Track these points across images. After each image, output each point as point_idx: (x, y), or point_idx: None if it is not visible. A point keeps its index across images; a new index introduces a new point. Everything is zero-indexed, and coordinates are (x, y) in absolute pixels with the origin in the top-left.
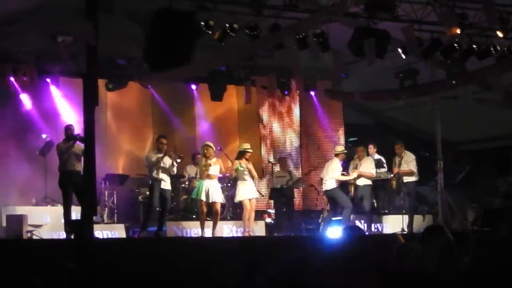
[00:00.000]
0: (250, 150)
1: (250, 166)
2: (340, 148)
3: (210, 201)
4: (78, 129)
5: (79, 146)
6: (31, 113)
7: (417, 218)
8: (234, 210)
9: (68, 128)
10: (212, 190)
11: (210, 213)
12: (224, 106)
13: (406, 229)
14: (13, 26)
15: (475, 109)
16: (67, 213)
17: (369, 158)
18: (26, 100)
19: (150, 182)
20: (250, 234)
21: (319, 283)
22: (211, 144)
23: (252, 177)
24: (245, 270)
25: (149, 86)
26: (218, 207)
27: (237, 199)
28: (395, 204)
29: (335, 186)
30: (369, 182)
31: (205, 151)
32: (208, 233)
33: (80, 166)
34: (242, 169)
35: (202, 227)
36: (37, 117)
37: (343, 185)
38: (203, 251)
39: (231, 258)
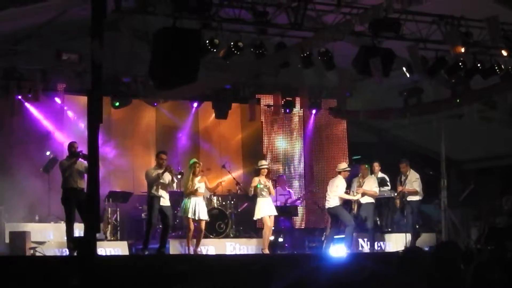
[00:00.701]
0: (266, 167)
1: (269, 183)
2: (343, 165)
3: (197, 218)
4: (83, 146)
5: (82, 163)
6: (35, 130)
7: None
8: (237, 228)
9: (72, 146)
10: (199, 208)
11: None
12: (228, 123)
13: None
14: (19, 44)
15: (479, 128)
16: (70, 230)
17: (372, 176)
18: (28, 115)
19: (149, 199)
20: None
21: None
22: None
23: (270, 193)
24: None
25: (155, 104)
26: (203, 224)
27: (257, 216)
28: (398, 222)
29: (338, 204)
30: (372, 200)
31: (196, 168)
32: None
33: (83, 183)
34: (262, 186)
35: (189, 245)
36: (41, 134)
37: (346, 203)
38: (206, 268)
39: (235, 275)
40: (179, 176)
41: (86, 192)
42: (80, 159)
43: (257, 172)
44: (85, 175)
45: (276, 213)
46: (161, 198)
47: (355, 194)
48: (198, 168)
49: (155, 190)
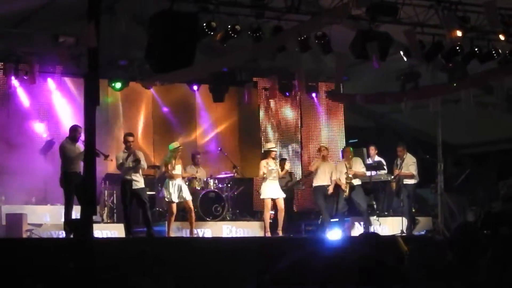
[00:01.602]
0: (274, 149)
1: (277, 166)
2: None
3: (180, 200)
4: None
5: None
6: (31, 112)
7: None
8: (233, 211)
9: (75, 130)
10: (180, 190)
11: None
12: (225, 107)
13: (405, 231)
14: (16, 27)
15: (476, 113)
16: (68, 213)
17: (357, 158)
18: (25, 98)
19: (121, 183)
20: (280, 234)
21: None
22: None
23: (278, 176)
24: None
25: (151, 87)
26: (190, 204)
27: (261, 196)
28: (394, 206)
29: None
30: (359, 182)
31: (179, 153)
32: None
33: (80, 167)
34: (270, 168)
35: (170, 228)
36: (38, 116)
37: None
38: (202, 251)
39: (231, 258)
40: (133, 164)
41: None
42: (81, 144)
43: (265, 155)
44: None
45: (282, 196)
46: (133, 182)
47: (345, 177)
48: (180, 153)
49: (125, 174)
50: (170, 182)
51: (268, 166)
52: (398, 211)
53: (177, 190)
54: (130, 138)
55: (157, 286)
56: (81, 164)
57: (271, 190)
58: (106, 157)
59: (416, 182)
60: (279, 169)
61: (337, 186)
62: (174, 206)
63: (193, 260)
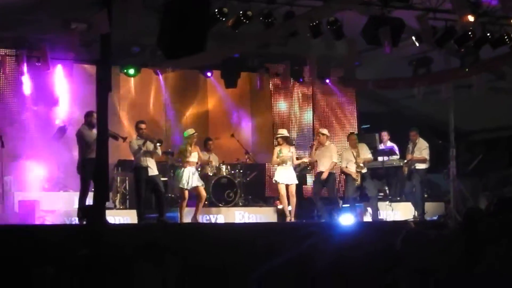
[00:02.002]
0: (283, 135)
1: (290, 152)
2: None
3: (190, 187)
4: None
5: None
6: (43, 98)
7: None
8: (246, 197)
9: (92, 116)
10: (192, 177)
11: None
12: (236, 93)
13: (417, 216)
14: (28, 13)
15: (488, 98)
16: (83, 200)
17: (362, 144)
18: (37, 85)
19: (135, 170)
20: (291, 220)
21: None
22: None
23: (293, 161)
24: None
25: (159, 74)
26: (202, 191)
27: (274, 180)
28: (405, 191)
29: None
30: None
31: (194, 139)
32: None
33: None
34: (282, 155)
35: (182, 214)
36: (50, 103)
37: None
38: (215, 237)
39: (242, 244)
40: (158, 144)
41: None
42: None
43: (278, 141)
44: None
45: (295, 182)
46: (148, 168)
47: (355, 166)
48: (195, 139)
49: (140, 160)
50: (184, 169)
51: (281, 152)
52: (410, 196)
53: (190, 177)
54: (143, 126)
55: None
56: None
57: (282, 176)
58: (124, 139)
59: (427, 167)
60: (293, 155)
61: (346, 174)
62: (187, 193)
63: (204, 247)
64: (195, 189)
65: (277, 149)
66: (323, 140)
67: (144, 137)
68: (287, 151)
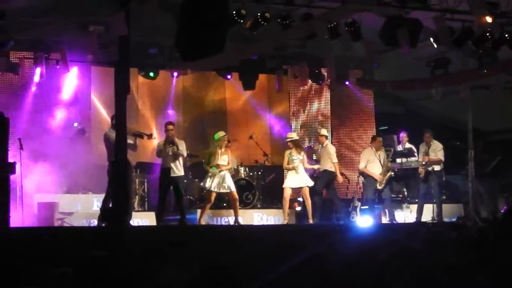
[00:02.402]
0: (292, 138)
1: (300, 155)
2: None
3: (222, 190)
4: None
5: (130, 138)
6: (62, 101)
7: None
8: (264, 199)
9: None
10: (223, 180)
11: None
12: (254, 94)
13: (436, 218)
14: (46, 16)
15: (506, 99)
16: (107, 202)
17: (381, 148)
18: (56, 87)
19: (160, 172)
20: (310, 222)
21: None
22: None
23: (304, 164)
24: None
25: (176, 75)
26: (234, 194)
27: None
28: (421, 193)
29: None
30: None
31: (225, 142)
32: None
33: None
34: (293, 158)
35: (202, 215)
36: (68, 105)
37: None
38: (233, 239)
39: (262, 245)
40: (171, 145)
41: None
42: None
43: (288, 145)
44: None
45: (306, 185)
46: (172, 170)
47: (384, 170)
48: (224, 141)
49: (164, 162)
50: (211, 172)
51: (291, 156)
52: (425, 198)
53: (219, 180)
54: (170, 127)
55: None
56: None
57: (291, 180)
58: (149, 136)
59: (442, 168)
60: (304, 158)
61: (365, 175)
62: (213, 196)
63: (222, 249)
64: (227, 193)
65: (287, 153)
66: (322, 140)
67: (169, 139)
68: (297, 154)
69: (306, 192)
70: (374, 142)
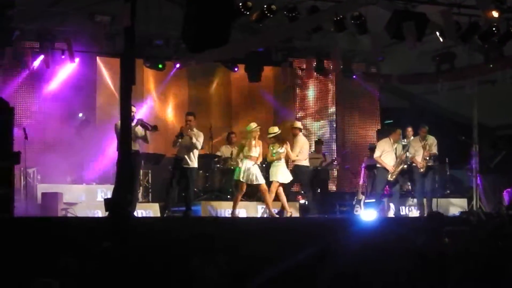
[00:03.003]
0: (275, 133)
1: (280, 149)
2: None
3: (252, 182)
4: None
5: (140, 128)
6: (67, 91)
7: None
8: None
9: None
10: (252, 171)
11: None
12: (260, 87)
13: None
14: (52, 6)
15: None
16: (118, 194)
17: (400, 141)
18: (61, 77)
19: (173, 161)
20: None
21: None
22: None
23: (281, 158)
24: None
25: (180, 66)
26: (264, 186)
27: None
28: (424, 187)
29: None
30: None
31: (258, 133)
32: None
33: (137, 146)
34: (275, 151)
35: (235, 207)
36: (74, 95)
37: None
38: (235, 230)
39: (265, 238)
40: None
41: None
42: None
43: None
44: (139, 140)
45: (284, 181)
46: (184, 160)
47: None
48: (258, 133)
49: (178, 152)
50: (242, 162)
51: (274, 149)
52: (425, 192)
53: (246, 171)
54: (189, 117)
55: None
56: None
57: (278, 174)
58: (153, 128)
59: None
60: (288, 152)
61: (377, 167)
62: (244, 186)
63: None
64: (259, 185)
65: (270, 147)
66: (295, 133)
67: (184, 129)
68: (279, 149)
69: (273, 186)
70: (394, 134)
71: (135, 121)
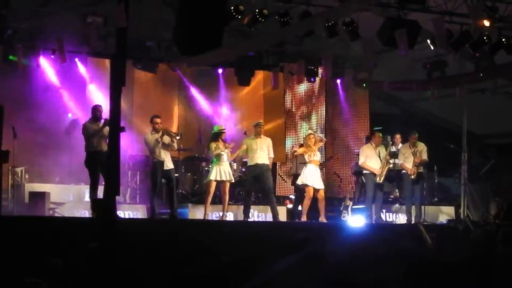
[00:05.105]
0: (223, 131)
1: (226, 148)
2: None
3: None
4: (105, 109)
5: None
6: (57, 91)
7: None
8: (256, 195)
9: (96, 109)
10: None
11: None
12: (250, 90)
13: (426, 220)
14: (45, 6)
15: (502, 103)
16: (93, 193)
17: (382, 144)
18: (52, 78)
19: (153, 164)
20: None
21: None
22: None
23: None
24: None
25: (177, 70)
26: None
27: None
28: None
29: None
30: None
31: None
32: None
33: (106, 146)
34: (220, 151)
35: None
36: (63, 95)
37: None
38: (223, 234)
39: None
40: (177, 137)
41: (107, 154)
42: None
43: (215, 137)
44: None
45: (223, 179)
46: (165, 162)
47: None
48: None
49: (157, 155)
50: (308, 165)
51: (217, 149)
52: (414, 200)
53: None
54: (158, 120)
55: None
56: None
57: (216, 173)
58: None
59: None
60: (228, 153)
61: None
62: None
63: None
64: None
65: (212, 144)
66: (259, 131)
67: (161, 131)
68: (223, 147)
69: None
70: (374, 138)
71: (102, 121)
